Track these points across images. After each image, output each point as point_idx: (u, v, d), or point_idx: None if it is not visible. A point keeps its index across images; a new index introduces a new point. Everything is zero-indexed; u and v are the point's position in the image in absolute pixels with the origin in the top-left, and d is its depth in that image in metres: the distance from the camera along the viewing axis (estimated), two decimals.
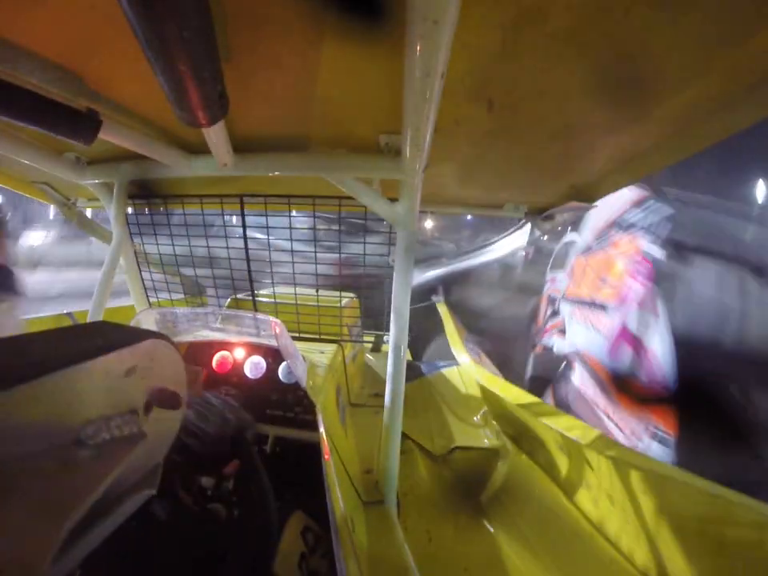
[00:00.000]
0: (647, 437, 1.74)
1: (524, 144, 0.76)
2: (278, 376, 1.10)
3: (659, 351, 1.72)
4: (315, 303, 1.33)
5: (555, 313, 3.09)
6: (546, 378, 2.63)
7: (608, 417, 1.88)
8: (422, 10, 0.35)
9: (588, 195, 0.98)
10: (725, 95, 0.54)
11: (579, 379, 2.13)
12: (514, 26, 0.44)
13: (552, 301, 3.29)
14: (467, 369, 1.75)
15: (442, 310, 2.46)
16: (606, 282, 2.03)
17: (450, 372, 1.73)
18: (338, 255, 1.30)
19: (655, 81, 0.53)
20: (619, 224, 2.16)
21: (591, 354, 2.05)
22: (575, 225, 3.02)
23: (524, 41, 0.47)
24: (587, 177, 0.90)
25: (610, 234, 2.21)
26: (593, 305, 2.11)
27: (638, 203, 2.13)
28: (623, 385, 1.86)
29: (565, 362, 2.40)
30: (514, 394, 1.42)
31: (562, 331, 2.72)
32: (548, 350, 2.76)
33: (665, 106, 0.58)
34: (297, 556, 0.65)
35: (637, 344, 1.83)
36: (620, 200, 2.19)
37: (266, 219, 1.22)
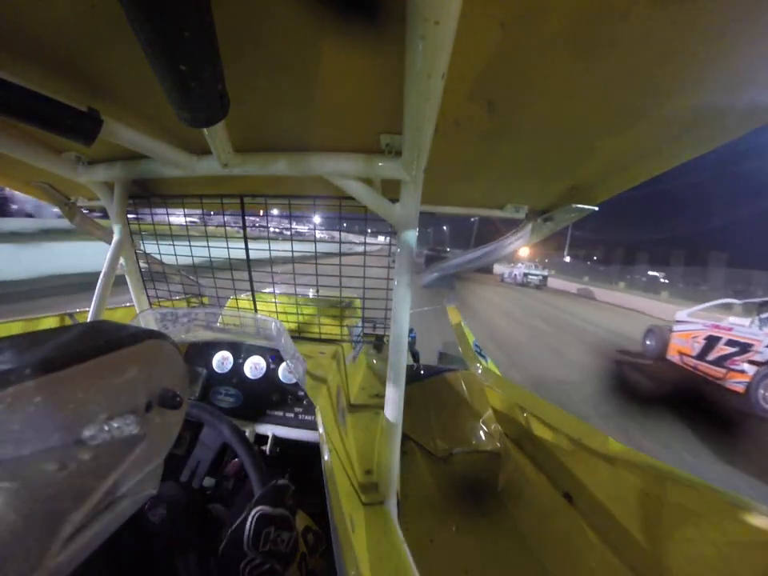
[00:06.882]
0: None
1: (524, 145, 0.76)
2: (278, 376, 1.10)
3: None
4: (315, 303, 1.33)
5: (745, 349, 5.01)
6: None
7: None
8: (423, 11, 0.35)
9: (589, 198, 0.98)
10: (727, 98, 0.54)
11: None
12: (514, 26, 0.44)
13: (718, 339, 5.41)
14: (473, 372, 1.75)
15: (453, 314, 2.45)
16: None
17: (454, 375, 1.73)
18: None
19: (656, 82, 0.53)
20: None
21: None
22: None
23: (524, 41, 0.47)
24: (588, 179, 0.90)
25: None
26: None
27: None
28: None
29: None
30: (517, 396, 1.42)
31: (753, 362, 4.79)
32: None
33: (666, 109, 0.58)
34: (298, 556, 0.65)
35: None
36: None
37: (267, 219, 1.22)
